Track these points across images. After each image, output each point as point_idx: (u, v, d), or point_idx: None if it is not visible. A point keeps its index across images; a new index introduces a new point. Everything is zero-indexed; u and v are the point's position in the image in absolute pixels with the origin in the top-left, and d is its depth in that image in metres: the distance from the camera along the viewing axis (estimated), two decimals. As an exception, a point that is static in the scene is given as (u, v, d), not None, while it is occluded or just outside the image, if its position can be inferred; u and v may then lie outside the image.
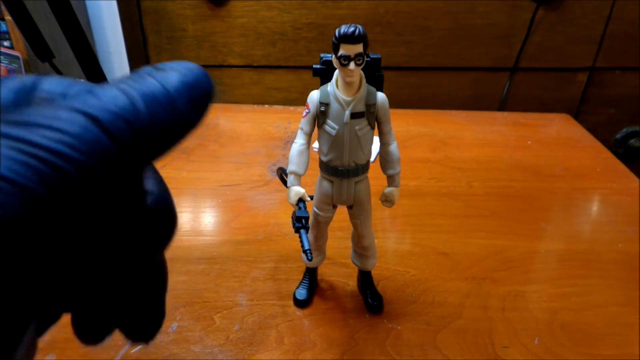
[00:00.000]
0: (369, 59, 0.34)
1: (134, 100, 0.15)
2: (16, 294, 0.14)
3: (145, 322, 0.21)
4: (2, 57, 1.18)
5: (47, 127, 0.14)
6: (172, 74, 0.17)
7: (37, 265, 0.14)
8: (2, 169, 0.13)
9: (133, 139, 0.15)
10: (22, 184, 0.13)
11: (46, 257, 0.15)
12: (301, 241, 0.33)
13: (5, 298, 0.14)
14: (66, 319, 0.21)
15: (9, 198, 0.13)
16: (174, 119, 0.16)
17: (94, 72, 0.79)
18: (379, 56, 0.37)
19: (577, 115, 1.15)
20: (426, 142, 0.75)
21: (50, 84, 0.17)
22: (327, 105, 0.34)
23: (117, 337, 0.39)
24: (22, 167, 0.13)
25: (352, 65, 0.32)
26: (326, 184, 0.37)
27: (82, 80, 0.17)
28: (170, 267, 0.41)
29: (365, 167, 0.37)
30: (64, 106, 0.14)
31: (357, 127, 0.34)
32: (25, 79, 0.17)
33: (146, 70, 0.17)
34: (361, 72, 0.34)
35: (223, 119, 0.82)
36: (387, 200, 0.38)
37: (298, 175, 0.36)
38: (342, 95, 0.33)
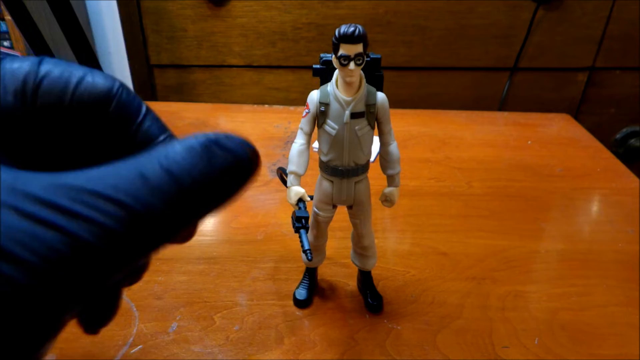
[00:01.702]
0: (369, 59, 0.34)
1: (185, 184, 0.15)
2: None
3: (104, 313, 0.21)
4: (2, 57, 1.18)
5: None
6: (221, 153, 0.17)
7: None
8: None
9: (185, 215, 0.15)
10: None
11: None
12: (301, 241, 0.33)
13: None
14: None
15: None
16: (222, 194, 0.16)
17: (94, 72, 0.79)
18: (379, 56, 0.37)
19: (577, 115, 1.15)
20: (426, 142, 0.75)
21: None
22: (327, 105, 0.34)
23: (117, 337, 0.39)
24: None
25: (352, 65, 0.32)
26: (326, 184, 0.37)
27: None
28: (170, 267, 0.42)
29: (365, 167, 0.37)
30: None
31: (357, 127, 0.34)
32: None
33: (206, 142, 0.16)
34: (361, 72, 0.34)
35: (223, 119, 0.82)
36: (387, 200, 0.38)
37: (298, 175, 0.36)
38: (342, 95, 0.33)
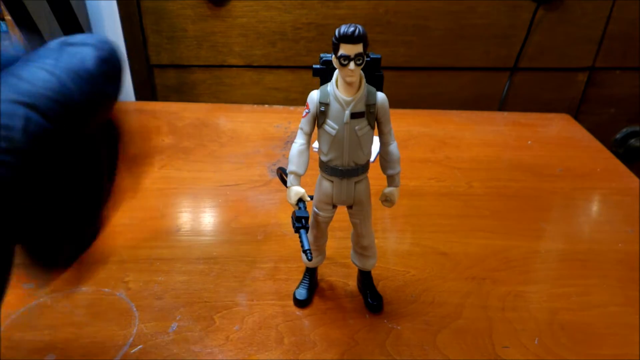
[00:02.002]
0: (369, 59, 0.34)
1: (62, 81, 0.17)
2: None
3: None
4: (2, 57, 1.18)
5: None
6: (88, 49, 0.18)
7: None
8: None
9: (66, 116, 0.17)
10: None
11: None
12: (301, 241, 0.33)
13: None
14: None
15: None
16: (96, 93, 0.18)
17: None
18: (379, 56, 0.37)
19: (577, 115, 1.15)
20: (426, 142, 0.75)
21: None
22: (327, 105, 0.34)
23: (117, 337, 0.39)
24: None
25: (352, 65, 0.32)
26: (326, 184, 0.37)
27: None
28: (170, 267, 0.42)
29: (365, 167, 0.37)
30: (4, 100, 0.16)
31: (357, 127, 0.34)
32: None
33: (60, 43, 0.18)
34: (361, 72, 0.34)
35: (223, 119, 0.82)
36: (387, 200, 0.38)
37: (298, 175, 0.36)
38: (342, 95, 0.33)
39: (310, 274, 0.43)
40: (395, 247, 0.51)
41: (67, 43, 0.18)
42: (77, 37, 0.19)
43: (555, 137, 0.79)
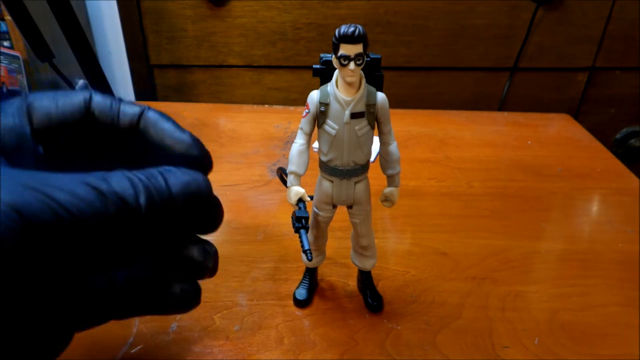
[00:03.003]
0: (369, 59, 0.34)
1: (138, 193, 0.20)
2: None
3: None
4: (2, 57, 1.18)
5: (67, 191, 0.18)
6: (177, 176, 0.22)
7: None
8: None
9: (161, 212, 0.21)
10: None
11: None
12: (301, 241, 0.33)
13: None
14: None
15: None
16: (171, 213, 0.21)
17: (94, 72, 0.79)
18: (379, 56, 0.37)
19: (577, 115, 1.15)
20: (426, 142, 0.75)
21: None
22: (327, 105, 0.34)
23: (117, 337, 0.39)
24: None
25: (352, 65, 0.32)
26: (326, 184, 0.37)
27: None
28: (170, 267, 0.41)
29: (365, 167, 0.37)
30: (81, 180, 0.19)
31: (357, 127, 0.34)
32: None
33: (158, 170, 0.22)
34: (361, 72, 0.34)
35: (223, 119, 0.82)
36: (387, 200, 0.38)
37: (298, 175, 0.36)
38: (342, 95, 0.33)
39: (310, 274, 0.43)
40: (395, 247, 0.51)
41: (164, 170, 0.23)
42: (176, 170, 0.23)
43: (555, 137, 0.79)
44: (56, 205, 0.17)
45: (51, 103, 0.25)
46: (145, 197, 0.20)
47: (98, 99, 0.26)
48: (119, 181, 0.20)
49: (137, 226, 0.20)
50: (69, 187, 0.18)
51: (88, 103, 0.26)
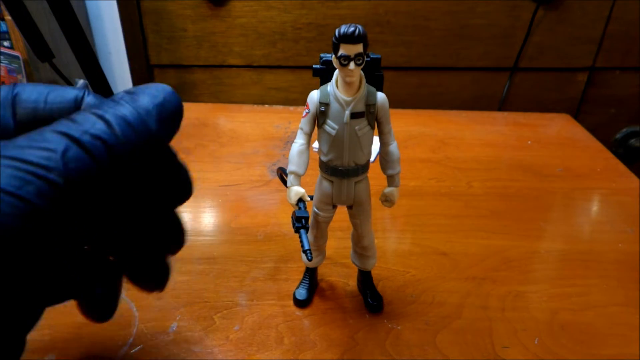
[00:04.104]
0: (369, 59, 0.34)
1: (109, 123, 0.18)
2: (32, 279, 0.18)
3: (156, 275, 0.27)
4: (2, 57, 1.18)
5: (38, 148, 0.17)
6: (142, 97, 0.20)
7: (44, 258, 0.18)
8: (3, 184, 0.16)
9: (109, 155, 0.18)
10: (22, 196, 0.16)
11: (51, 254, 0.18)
12: (301, 241, 0.33)
13: (26, 283, 0.17)
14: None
15: (11, 209, 0.15)
16: (145, 137, 0.19)
17: (94, 72, 0.79)
18: (379, 56, 0.37)
19: (577, 115, 1.15)
20: (426, 142, 0.75)
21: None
22: (327, 105, 0.34)
23: (117, 337, 0.39)
24: (21, 182, 0.16)
25: (352, 65, 0.32)
26: (326, 184, 0.37)
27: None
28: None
29: (365, 167, 0.37)
30: (50, 130, 0.18)
31: (357, 127, 0.34)
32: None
33: (119, 95, 0.20)
34: (361, 72, 0.34)
35: (223, 119, 0.82)
36: (387, 200, 0.38)
37: (298, 175, 0.36)
38: (342, 95, 0.33)
39: (310, 274, 0.43)
40: (395, 247, 0.51)
41: (127, 93, 0.20)
42: (138, 87, 0.20)
43: (555, 137, 0.79)
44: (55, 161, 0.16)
45: (40, 97, 0.23)
46: (120, 127, 0.19)
47: (90, 100, 0.24)
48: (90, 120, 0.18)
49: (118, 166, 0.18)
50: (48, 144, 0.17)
51: (79, 102, 0.24)
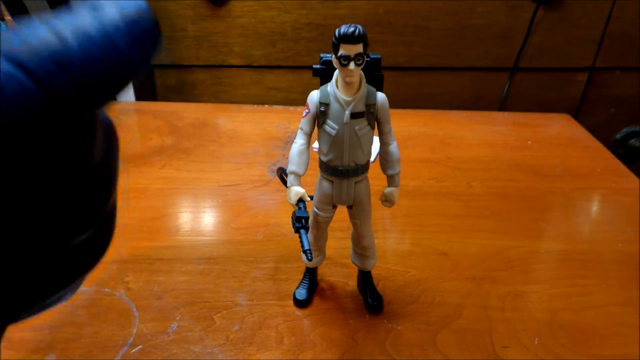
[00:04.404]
0: (369, 59, 0.34)
1: (65, 41, 0.13)
2: None
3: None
4: (2, 57, 1.18)
5: None
6: (108, 8, 0.15)
7: None
8: None
9: (66, 83, 0.13)
10: None
11: None
12: (301, 241, 0.33)
13: None
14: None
15: None
16: (113, 58, 0.14)
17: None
18: (379, 56, 0.37)
19: (577, 115, 1.15)
20: (426, 142, 0.75)
21: None
22: (327, 105, 0.34)
23: (117, 337, 0.39)
24: None
25: (352, 65, 0.32)
26: (326, 184, 0.37)
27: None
28: (170, 267, 0.42)
29: (365, 167, 0.37)
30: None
31: (357, 127, 0.34)
32: None
33: (80, 5, 0.15)
34: (361, 72, 0.34)
35: (223, 119, 0.82)
36: (387, 200, 0.38)
37: (298, 175, 0.36)
38: (342, 95, 0.33)
39: (310, 274, 0.43)
40: (395, 247, 0.51)
41: (92, 5, 0.15)
42: None
43: (555, 137, 0.79)
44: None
45: None
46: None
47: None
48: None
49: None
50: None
51: None
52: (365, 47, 0.32)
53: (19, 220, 0.14)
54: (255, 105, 0.88)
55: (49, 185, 0.14)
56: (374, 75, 0.36)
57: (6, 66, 0.12)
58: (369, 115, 0.34)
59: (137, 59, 0.15)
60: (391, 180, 0.38)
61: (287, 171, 0.36)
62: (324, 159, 0.36)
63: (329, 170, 0.36)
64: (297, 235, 0.34)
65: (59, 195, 0.15)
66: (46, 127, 0.13)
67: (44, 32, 0.13)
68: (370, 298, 0.42)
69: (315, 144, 0.37)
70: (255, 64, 1.12)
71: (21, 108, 0.12)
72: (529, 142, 0.76)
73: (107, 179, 0.17)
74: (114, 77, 0.14)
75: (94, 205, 0.16)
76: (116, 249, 0.48)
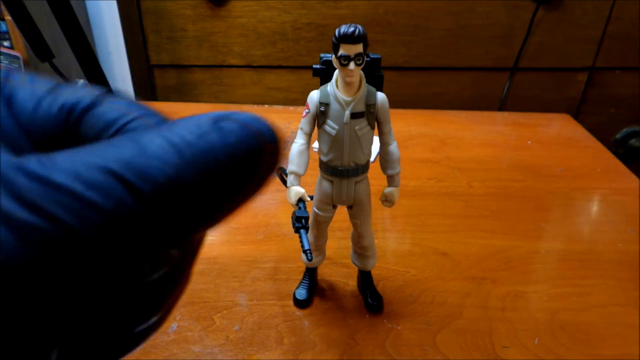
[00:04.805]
0: (369, 59, 0.34)
1: (182, 155, 0.11)
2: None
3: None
4: (2, 57, 1.18)
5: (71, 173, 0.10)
6: (233, 125, 0.13)
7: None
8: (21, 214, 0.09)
9: (167, 201, 0.11)
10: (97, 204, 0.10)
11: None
12: (301, 241, 0.33)
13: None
14: None
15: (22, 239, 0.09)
16: (220, 187, 0.12)
17: (94, 72, 0.79)
18: (379, 56, 0.37)
19: (577, 115, 1.15)
20: (426, 142, 0.75)
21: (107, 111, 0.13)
22: (327, 105, 0.34)
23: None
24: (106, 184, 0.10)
25: (352, 65, 0.32)
26: (326, 184, 0.37)
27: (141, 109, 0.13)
28: (170, 267, 0.41)
29: (365, 167, 0.37)
30: (94, 165, 0.11)
31: (357, 127, 0.34)
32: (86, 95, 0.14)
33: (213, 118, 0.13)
34: (361, 72, 0.34)
35: (223, 119, 0.82)
36: (387, 200, 0.38)
37: (298, 175, 0.36)
38: (342, 96, 0.33)
39: (310, 274, 0.43)
40: (395, 247, 0.51)
41: (218, 117, 0.13)
42: (232, 114, 0.13)
43: (555, 137, 0.79)
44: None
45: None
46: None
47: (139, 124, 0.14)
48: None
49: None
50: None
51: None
52: (365, 47, 0.32)
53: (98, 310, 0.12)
54: (255, 105, 0.88)
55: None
56: (374, 75, 0.36)
57: (110, 182, 0.10)
58: (369, 115, 0.34)
59: (243, 193, 0.14)
60: (391, 180, 0.38)
61: (287, 171, 0.36)
62: (324, 159, 0.36)
63: (329, 170, 0.36)
64: (297, 235, 0.34)
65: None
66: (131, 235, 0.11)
67: (161, 141, 0.11)
68: (370, 298, 0.42)
69: (315, 144, 0.37)
70: (255, 64, 1.12)
71: (123, 228, 0.10)
72: (529, 142, 0.76)
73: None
74: (211, 204, 0.12)
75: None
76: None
